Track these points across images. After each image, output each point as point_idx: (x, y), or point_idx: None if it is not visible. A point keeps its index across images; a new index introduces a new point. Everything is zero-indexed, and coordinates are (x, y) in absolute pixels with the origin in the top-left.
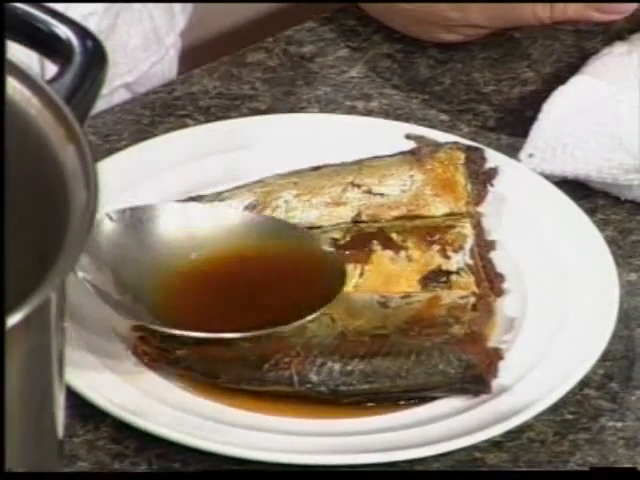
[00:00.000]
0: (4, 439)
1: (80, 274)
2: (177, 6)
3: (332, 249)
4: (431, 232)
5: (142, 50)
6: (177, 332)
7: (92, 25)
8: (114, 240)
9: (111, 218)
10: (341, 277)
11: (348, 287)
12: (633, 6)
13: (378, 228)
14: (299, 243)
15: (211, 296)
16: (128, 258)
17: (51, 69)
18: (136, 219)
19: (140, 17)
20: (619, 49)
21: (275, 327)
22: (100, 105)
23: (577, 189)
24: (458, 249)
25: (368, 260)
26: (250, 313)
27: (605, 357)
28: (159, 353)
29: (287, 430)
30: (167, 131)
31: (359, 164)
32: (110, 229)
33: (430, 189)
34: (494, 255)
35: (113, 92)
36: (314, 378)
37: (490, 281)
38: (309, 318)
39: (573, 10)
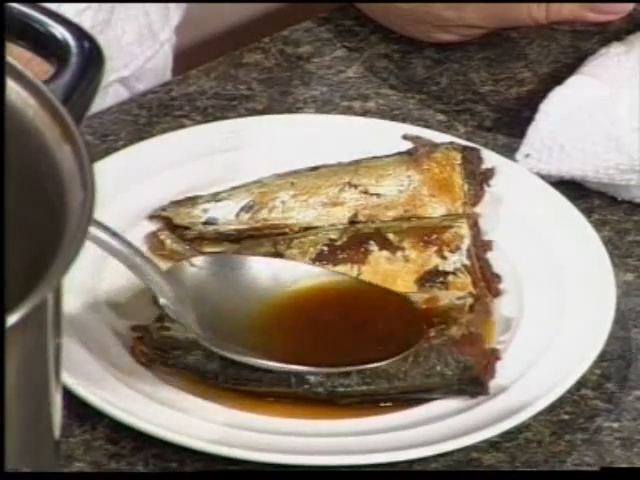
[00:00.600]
0: (4, 439)
1: (162, 300)
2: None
3: (411, 299)
4: (428, 232)
5: (137, 45)
6: (258, 362)
7: (87, 19)
8: (198, 281)
9: (193, 265)
10: (419, 327)
11: None
12: (629, 6)
13: (375, 228)
14: (379, 295)
15: (292, 334)
16: (211, 300)
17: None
18: (221, 267)
19: (135, 12)
20: (616, 49)
21: (352, 367)
22: (94, 99)
23: (574, 189)
24: (455, 249)
25: (365, 260)
26: (329, 351)
27: (602, 358)
28: (156, 353)
29: (284, 431)
30: (164, 131)
31: (356, 164)
32: (193, 272)
33: (427, 189)
34: (491, 256)
35: (108, 87)
36: (311, 379)
37: (487, 281)
38: (385, 363)
39: (568, 10)
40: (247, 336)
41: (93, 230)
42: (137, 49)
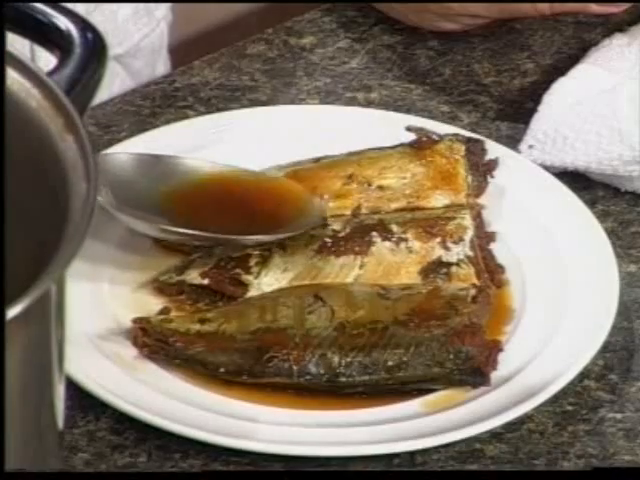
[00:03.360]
0: (4, 438)
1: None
2: None
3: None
4: (431, 224)
5: (132, 23)
6: (178, 229)
7: None
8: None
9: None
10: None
11: (348, 278)
12: None
13: (378, 220)
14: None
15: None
16: (127, 185)
17: (43, 59)
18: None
19: None
20: (619, 41)
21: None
22: (98, 90)
23: (577, 180)
24: (458, 241)
25: (368, 252)
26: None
27: (605, 349)
28: (159, 345)
29: (286, 422)
30: (167, 122)
31: (359, 156)
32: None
33: (430, 181)
34: (494, 247)
35: None
36: (313, 369)
37: (490, 272)
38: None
39: (572, 2)
40: (163, 207)
41: None
42: (132, 27)
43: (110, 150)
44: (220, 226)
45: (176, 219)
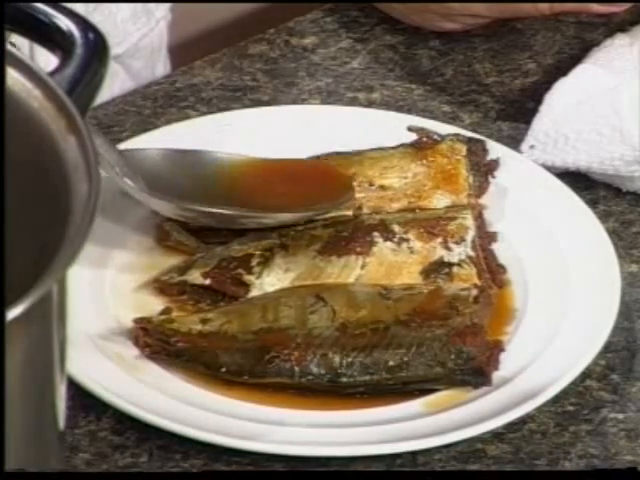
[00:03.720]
0: (4, 438)
1: (115, 168)
2: None
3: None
4: (433, 224)
5: (131, 23)
6: (206, 209)
7: None
8: (150, 163)
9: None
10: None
11: (349, 279)
12: None
13: (379, 220)
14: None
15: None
16: (160, 176)
17: (41, 58)
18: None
19: None
20: (620, 41)
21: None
22: (100, 91)
23: (579, 181)
24: (460, 241)
25: (370, 252)
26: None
27: (606, 349)
28: (161, 345)
29: (288, 422)
30: (169, 122)
31: (360, 156)
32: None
33: (432, 181)
34: (496, 247)
35: None
36: (315, 370)
37: (492, 273)
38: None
39: (573, 2)
40: (194, 192)
41: None
42: (132, 27)
43: None
44: (245, 207)
45: (201, 201)
